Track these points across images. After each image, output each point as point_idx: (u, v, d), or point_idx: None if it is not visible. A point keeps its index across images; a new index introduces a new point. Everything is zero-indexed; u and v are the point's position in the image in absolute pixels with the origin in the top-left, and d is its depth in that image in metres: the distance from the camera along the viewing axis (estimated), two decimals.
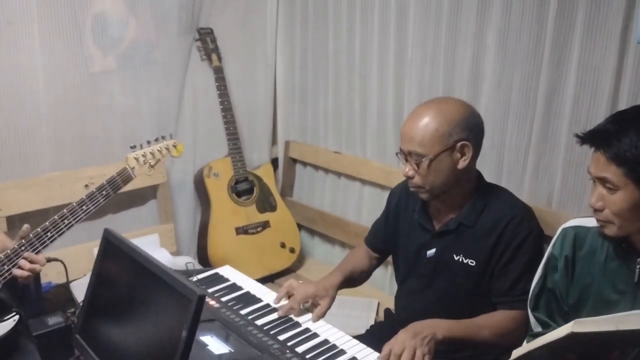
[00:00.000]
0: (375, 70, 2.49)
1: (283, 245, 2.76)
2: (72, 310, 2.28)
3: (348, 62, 2.60)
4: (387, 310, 1.97)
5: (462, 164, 1.55)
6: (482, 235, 1.58)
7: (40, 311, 2.05)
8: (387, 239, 1.82)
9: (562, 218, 1.69)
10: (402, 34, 2.35)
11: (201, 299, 1.17)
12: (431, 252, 1.66)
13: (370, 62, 2.50)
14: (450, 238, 1.62)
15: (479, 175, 1.67)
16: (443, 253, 1.64)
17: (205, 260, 2.60)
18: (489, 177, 2.11)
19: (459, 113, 1.55)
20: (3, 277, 1.50)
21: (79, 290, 2.19)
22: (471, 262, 1.59)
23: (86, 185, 2.33)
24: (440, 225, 1.65)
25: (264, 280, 2.29)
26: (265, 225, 2.73)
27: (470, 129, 1.55)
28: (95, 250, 2.36)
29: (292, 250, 2.78)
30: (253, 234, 2.68)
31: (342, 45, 2.60)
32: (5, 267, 1.50)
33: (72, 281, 2.20)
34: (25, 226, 1.55)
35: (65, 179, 2.28)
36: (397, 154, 1.62)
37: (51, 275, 2.18)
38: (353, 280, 1.82)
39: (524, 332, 1.51)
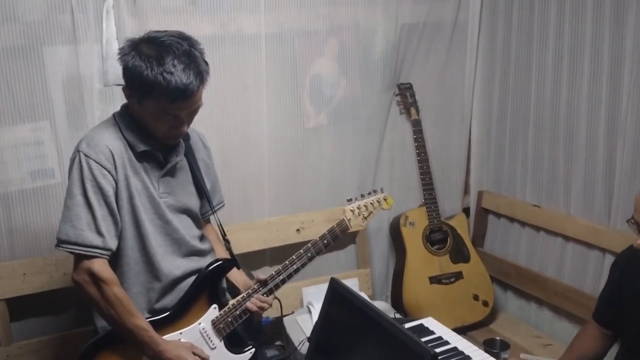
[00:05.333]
0: (583, 121, 2.40)
1: (476, 298, 2.73)
2: (281, 343, 2.51)
3: (552, 112, 2.54)
4: None
5: None
6: None
7: (259, 344, 2.29)
8: (615, 312, 1.72)
9: None
10: (616, 82, 2.25)
11: (434, 358, 1.24)
12: None
13: (578, 112, 2.42)
14: None
15: None
16: None
17: (399, 306, 2.67)
18: None
19: None
20: (245, 313, 1.72)
21: (290, 325, 2.40)
22: None
23: (297, 230, 2.57)
24: None
25: (456, 332, 2.28)
26: (458, 276, 2.73)
27: None
28: (304, 290, 2.59)
29: (485, 304, 2.74)
30: (446, 284, 2.70)
31: (545, 95, 2.56)
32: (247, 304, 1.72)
33: (284, 316, 2.43)
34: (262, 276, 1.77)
35: (281, 223, 2.54)
36: (628, 221, 1.55)
37: (267, 311, 2.41)
38: None
39: None
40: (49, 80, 2.07)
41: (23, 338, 2.17)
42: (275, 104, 2.48)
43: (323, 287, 2.47)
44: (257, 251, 2.53)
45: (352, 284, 2.59)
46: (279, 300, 2.38)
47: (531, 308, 2.78)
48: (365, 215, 1.94)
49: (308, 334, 2.26)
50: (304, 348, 2.13)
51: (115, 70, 2.08)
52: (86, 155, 1.53)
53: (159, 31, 1.58)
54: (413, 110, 2.76)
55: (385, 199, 1.99)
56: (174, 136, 1.61)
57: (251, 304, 1.73)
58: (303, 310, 2.49)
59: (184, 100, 1.52)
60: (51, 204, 2.13)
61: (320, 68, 2.54)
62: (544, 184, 2.63)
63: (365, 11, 2.57)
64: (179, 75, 1.49)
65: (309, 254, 1.81)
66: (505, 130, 2.80)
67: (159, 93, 1.50)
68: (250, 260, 2.53)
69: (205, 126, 2.27)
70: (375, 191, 2.01)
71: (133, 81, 1.53)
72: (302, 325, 2.37)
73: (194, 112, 1.60)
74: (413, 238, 2.71)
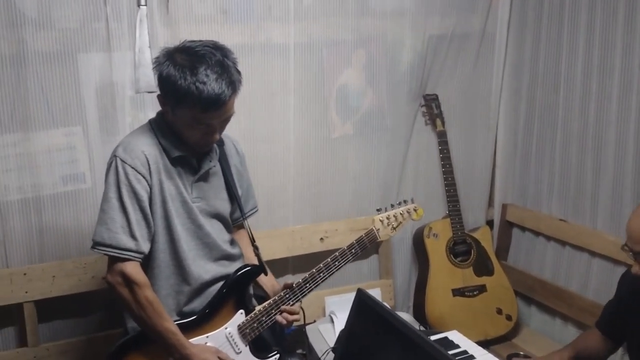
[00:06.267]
0: (612, 135, 2.38)
1: (499, 312, 2.70)
2: (302, 351, 2.51)
3: (580, 126, 2.52)
4: None
5: None
6: None
7: (283, 350, 2.30)
8: (620, 325, 1.72)
9: None
10: None
11: None
12: None
13: (607, 126, 2.40)
14: None
15: None
16: None
17: (421, 318, 2.66)
18: None
19: None
20: (271, 319, 1.73)
21: (312, 334, 2.41)
22: None
23: (321, 239, 2.57)
24: None
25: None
26: (481, 289, 2.71)
27: None
28: (327, 299, 2.59)
29: (508, 318, 2.71)
30: (469, 297, 2.68)
31: (574, 107, 2.54)
32: (273, 311, 1.73)
33: (306, 325, 2.43)
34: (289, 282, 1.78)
35: (305, 232, 2.55)
36: (622, 247, 1.53)
37: None
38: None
39: None
40: (82, 86, 2.11)
41: (50, 339, 2.21)
42: (302, 113, 2.50)
43: (346, 297, 2.50)
44: (281, 259, 2.54)
45: (374, 294, 2.57)
46: (302, 309, 2.39)
47: (555, 323, 2.75)
48: (394, 226, 1.94)
49: (330, 343, 2.27)
50: (327, 358, 2.13)
51: (147, 78, 2.12)
52: (122, 160, 1.56)
53: (193, 41, 1.60)
54: (438, 122, 2.75)
55: (415, 210, 1.99)
56: (206, 144, 1.64)
57: (281, 319, 1.74)
58: (325, 320, 2.49)
59: (216, 110, 1.54)
60: (81, 208, 2.16)
61: (347, 78, 2.55)
62: (571, 198, 2.61)
63: (393, 22, 2.58)
64: (211, 84, 1.51)
65: (337, 263, 1.81)
66: (532, 143, 2.78)
67: (192, 102, 1.52)
68: (273, 268, 2.51)
69: (232, 133, 2.29)
70: (405, 201, 2.00)
71: (167, 90, 1.56)
72: (324, 335, 2.37)
73: (226, 121, 1.62)
74: (436, 250, 2.70)
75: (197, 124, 1.56)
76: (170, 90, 1.55)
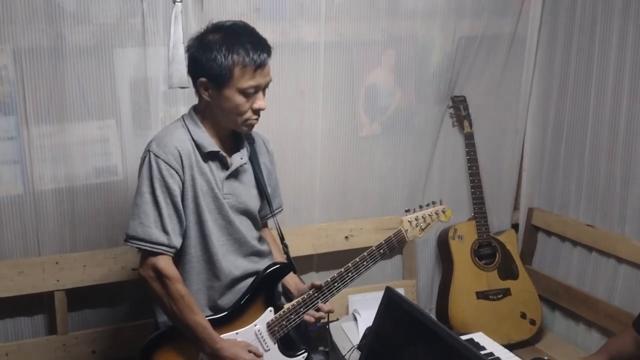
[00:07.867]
0: None
1: (523, 316, 2.69)
2: (325, 349, 2.52)
3: (610, 131, 2.50)
4: None
5: None
6: None
7: (310, 348, 2.31)
8: None
9: None
10: None
11: None
12: None
13: (637, 131, 2.38)
14: None
15: None
16: None
17: (444, 320, 2.65)
18: None
19: None
20: (299, 317, 1.74)
21: (335, 332, 2.41)
22: None
23: (346, 237, 2.58)
24: None
25: None
26: (506, 292, 2.69)
27: None
28: (350, 297, 2.59)
29: (532, 322, 2.69)
30: (493, 300, 2.67)
31: (604, 113, 2.51)
32: (302, 309, 1.74)
33: (329, 322, 2.44)
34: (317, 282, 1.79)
35: (330, 230, 2.56)
36: None
37: None
38: None
39: None
40: (117, 80, 2.15)
41: (79, 328, 2.25)
42: (330, 112, 2.51)
43: (369, 296, 2.51)
44: (305, 256, 2.55)
45: None
46: None
47: (579, 329, 2.72)
48: (422, 227, 1.93)
49: (354, 341, 2.27)
50: (352, 356, 2.14)
51: (180, 74, 2.14)
52: (156, 156, 1.58)
53: (219, 21, 1.63)
54: (466, 123, 2.75)
55: (444, 211, 1.98)
56: (253, 116, 1.63)
57: (309, 317, 1.75)
58: (348, 318, 2.49)
59: (262, 68, 1.57)
60: (113, 200, 2.20)
61: (376, 78, 2.56)
62: (599, 203, 2.58)
63: (423, 23, 2.58)
64: (252, 48, 1.55)
65: (365, 263, 1.81)
66: (560, 147, 2.76)
67: (242, 65, 1.53)
68: (298, 265, 2.52)
69: (261, 129, 2.30)
70: (434, 202, 1.99)
71: (209, 70, 1.55)
72: (347, 333, 2.38)
73: (265, 89, 1.64)
74: (461, 252, 2.69)
75: (245, 94, 1.56)
76: (214, 69, 1.54)
